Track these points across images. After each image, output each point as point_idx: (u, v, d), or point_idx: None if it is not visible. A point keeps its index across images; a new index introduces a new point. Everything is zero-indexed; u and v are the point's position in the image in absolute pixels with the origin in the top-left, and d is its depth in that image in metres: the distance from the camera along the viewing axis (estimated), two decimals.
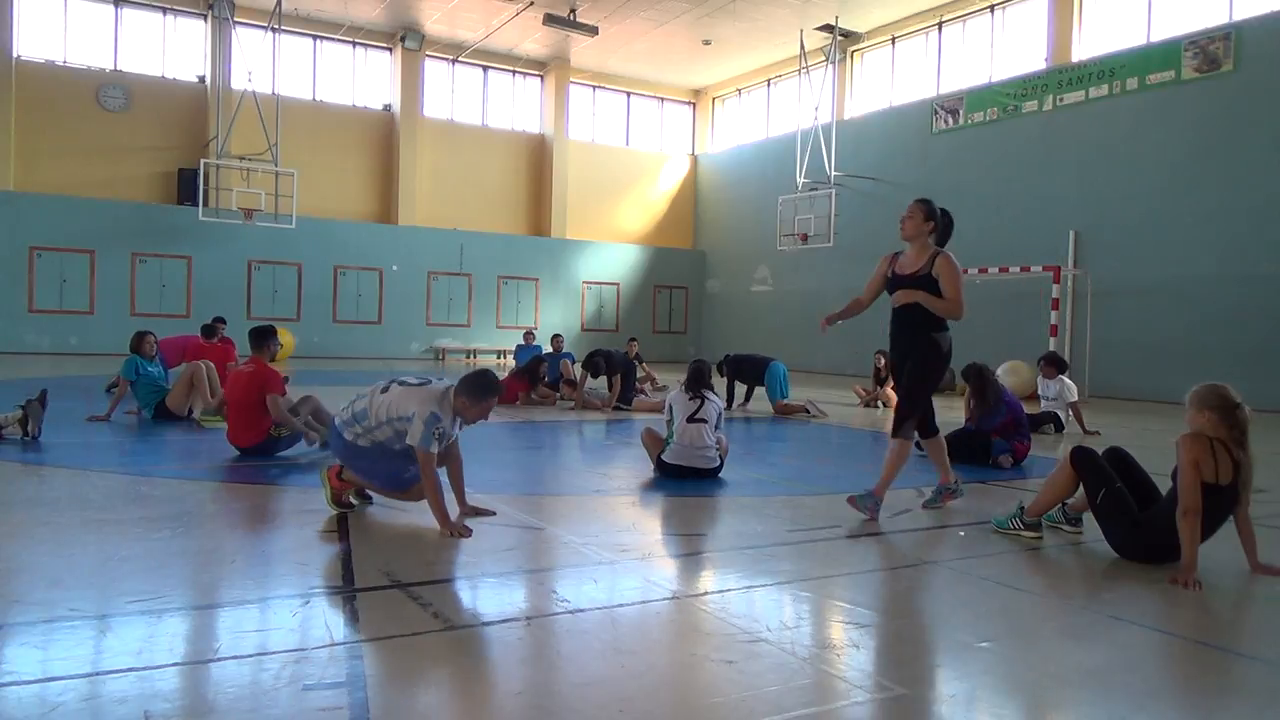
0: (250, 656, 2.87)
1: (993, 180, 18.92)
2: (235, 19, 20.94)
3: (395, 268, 23.23)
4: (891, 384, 13.34)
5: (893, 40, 22.02)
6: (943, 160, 20.07)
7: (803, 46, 22.05)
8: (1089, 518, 4.77)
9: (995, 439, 7.57)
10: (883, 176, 21.46)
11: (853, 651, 3.11)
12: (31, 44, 20.24)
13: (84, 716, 2.41)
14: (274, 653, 2.90)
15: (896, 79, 22.07)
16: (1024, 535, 4.85)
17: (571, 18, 21.02)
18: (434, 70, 24.58)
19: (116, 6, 21.03)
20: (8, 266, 19.00)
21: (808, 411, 11.60)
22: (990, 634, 3.32)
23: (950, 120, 19.93)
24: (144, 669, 2.74)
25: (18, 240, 19.17)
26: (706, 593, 3.85)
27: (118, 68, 21.09)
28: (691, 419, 6.37)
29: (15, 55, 19.78)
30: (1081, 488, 4.65)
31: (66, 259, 19.71)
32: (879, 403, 13.24)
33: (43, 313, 18.83)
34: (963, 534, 4.96)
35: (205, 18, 21.61)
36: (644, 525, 5.28)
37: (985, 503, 5.81)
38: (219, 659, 2.87)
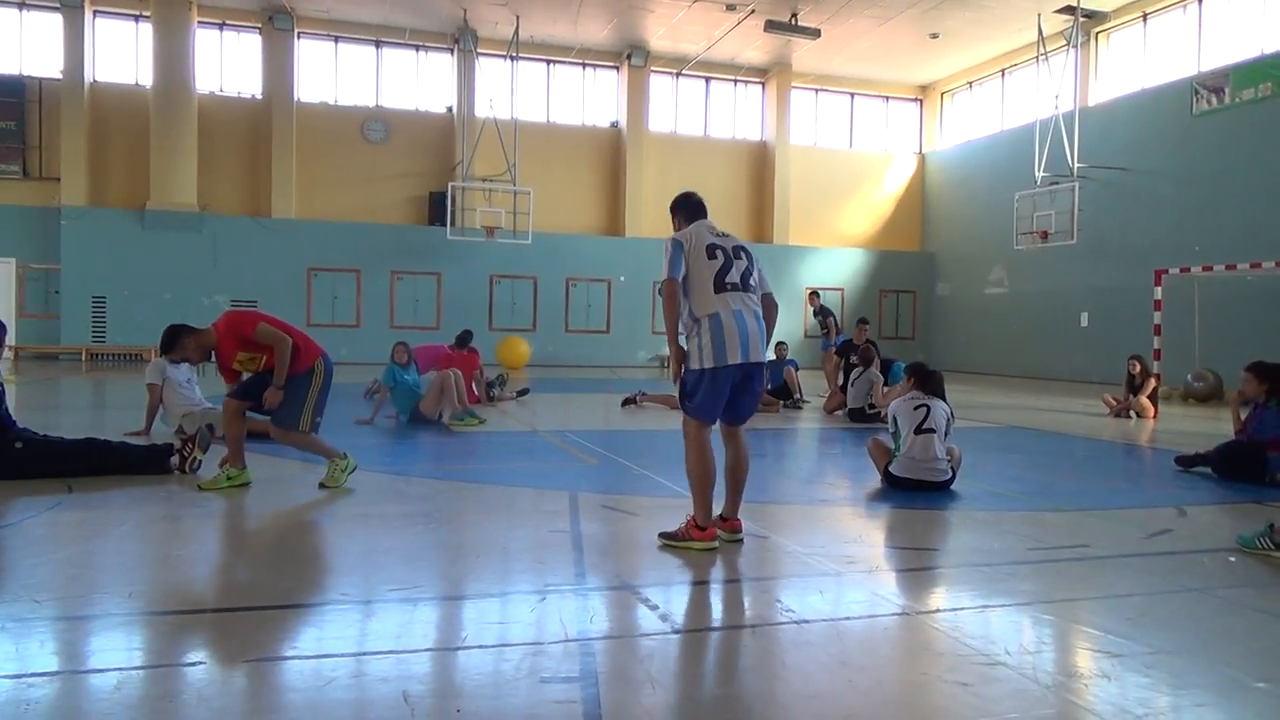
0: (493, 647, 3.09)
1: (1263, 166, 16.82)
2: (478, 50, 22.53)
3: (622, 278, 24.03)
4: (1146, 392, 12.24)
5: (1144, 17, 20.13)
6: (1205, 145, 18.09)
7: (1040, 32, 20.66)
8: None
9: (1271, 454, 6.74)
10: (1133, 166, 19.67)
11: (1103, 682, 2.89)
12: (309, 88, 22.77)
13: (351, 692, 2.69)
14: (514, 644, 3.11)
15: (1149, 58, 20.15)
16: (1275, 556, 4.44)
17: (793, 22, 20.88)
18: (658, 85, 25.19)
19: (377, 47, 23.21)
20: (291, 285, 21.56)
21: None
22: (1268, 674, 2.97)
23: (1214, 100, 17.94)
24: (402, 652, 3.02)
25: (299, 262, 21.71)
26: (938, 610, 3.71)
27: (379, 104, 23.27)
28: (919, 430, 6.12)
29: (297, 99, 22.34)
30: None
31: (338, 278, 22.14)
32: (1129, 412, 12.17)
33: (318, 326, 20.97)
34: (1233, 559, 4.47)
35: (452, 51, 23.38)
36: (870, 537, 5.16)
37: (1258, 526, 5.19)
38: (465, 647, 3.11)
